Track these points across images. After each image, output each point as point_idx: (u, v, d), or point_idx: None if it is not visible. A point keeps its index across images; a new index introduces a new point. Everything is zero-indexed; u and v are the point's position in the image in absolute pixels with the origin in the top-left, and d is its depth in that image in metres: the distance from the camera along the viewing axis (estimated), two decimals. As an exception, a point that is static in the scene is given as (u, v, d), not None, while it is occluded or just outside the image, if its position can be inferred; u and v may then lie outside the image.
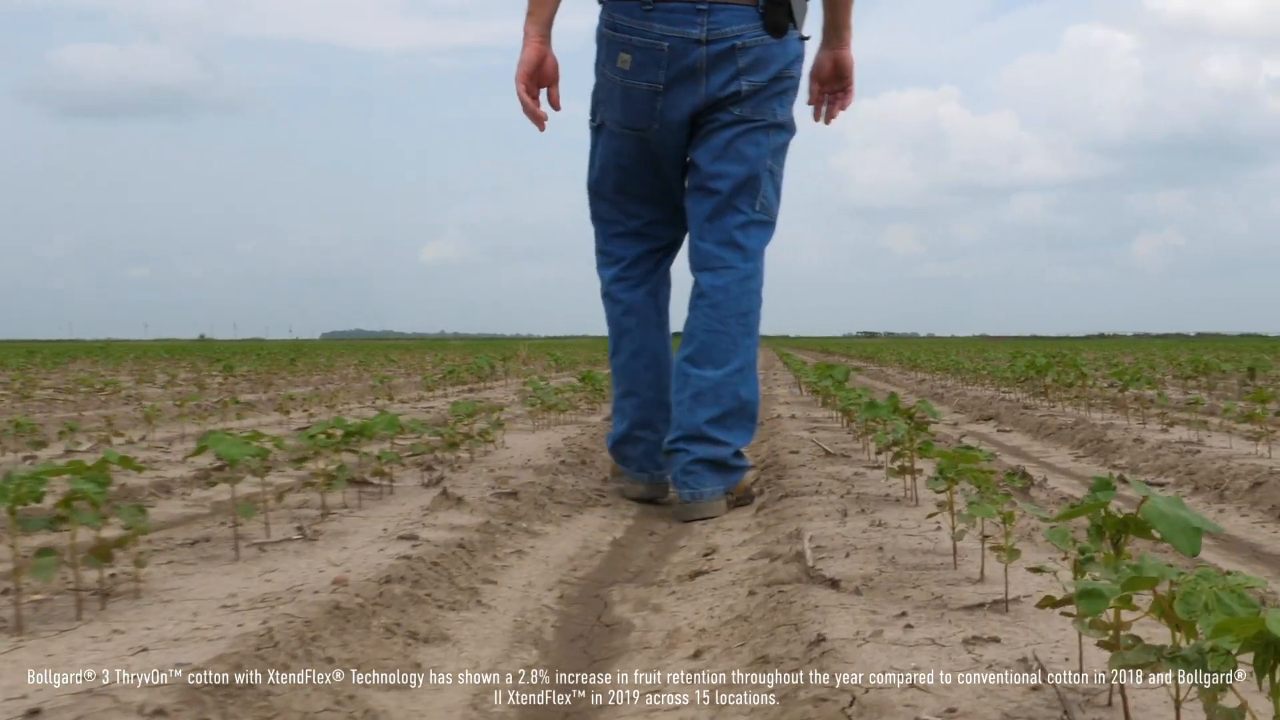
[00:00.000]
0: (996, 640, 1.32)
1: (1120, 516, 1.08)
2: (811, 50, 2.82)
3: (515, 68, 2.65)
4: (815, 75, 2.89)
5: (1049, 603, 1.10)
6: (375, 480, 2.86)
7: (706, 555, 2.21)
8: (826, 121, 2.95)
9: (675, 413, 2.74)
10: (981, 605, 1.48)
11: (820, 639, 1.33)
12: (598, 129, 2.84)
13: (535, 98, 2.70)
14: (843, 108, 2.93)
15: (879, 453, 2.88)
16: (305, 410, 5.85)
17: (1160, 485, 3.17)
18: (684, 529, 2.63)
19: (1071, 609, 1.03)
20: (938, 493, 1.78)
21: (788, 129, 2.78)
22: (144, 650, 1.32)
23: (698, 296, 2.76)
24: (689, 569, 2.09)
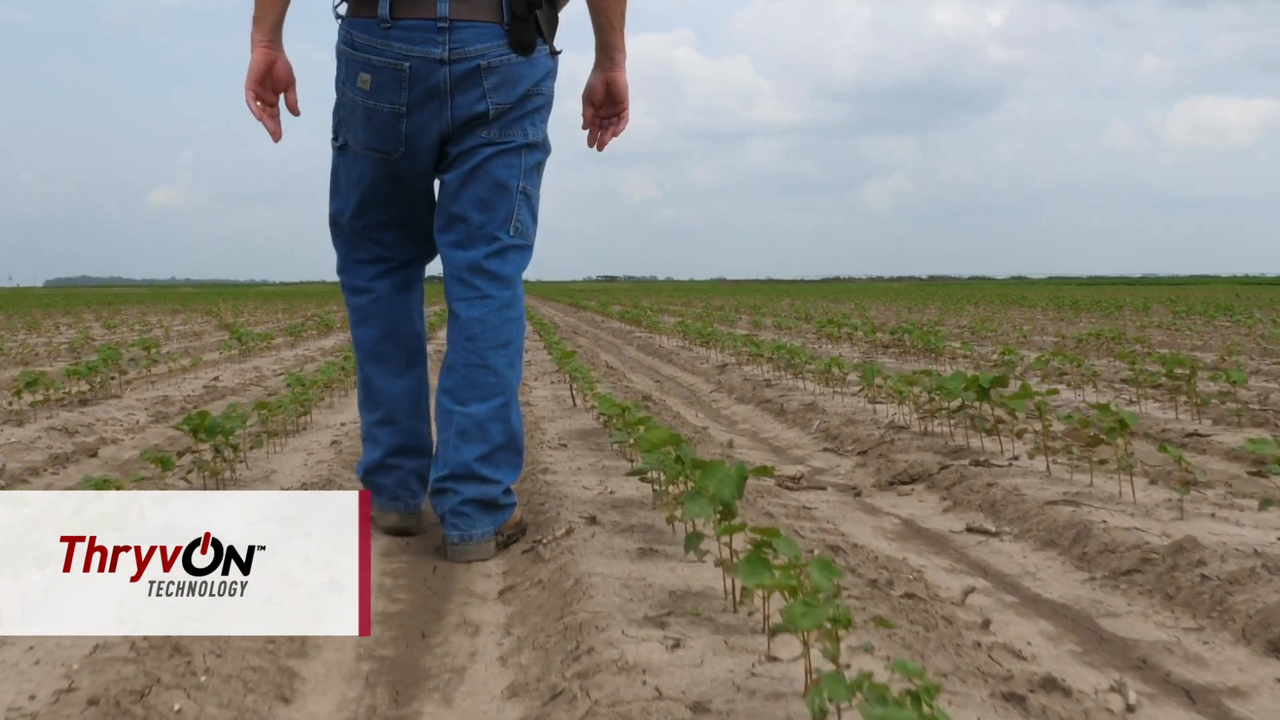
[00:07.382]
0: None
1: None
2: (566, 65, 2.69)
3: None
4: (588, 99, 2.73)
5: None
6: None
7: None
8: (600, 147, 2.78)
9: (440, 450, 2.54)
10: None
11: None
12: (341, 149, 2.66)
13: (271, 104, 2.56)
14: (615, 134, 2.77)
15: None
16: None
17: None
18: None
19: None
20: None
21: (541, 148, 2.61)
22: None
23: (456, 329, 2.57)
24: None
